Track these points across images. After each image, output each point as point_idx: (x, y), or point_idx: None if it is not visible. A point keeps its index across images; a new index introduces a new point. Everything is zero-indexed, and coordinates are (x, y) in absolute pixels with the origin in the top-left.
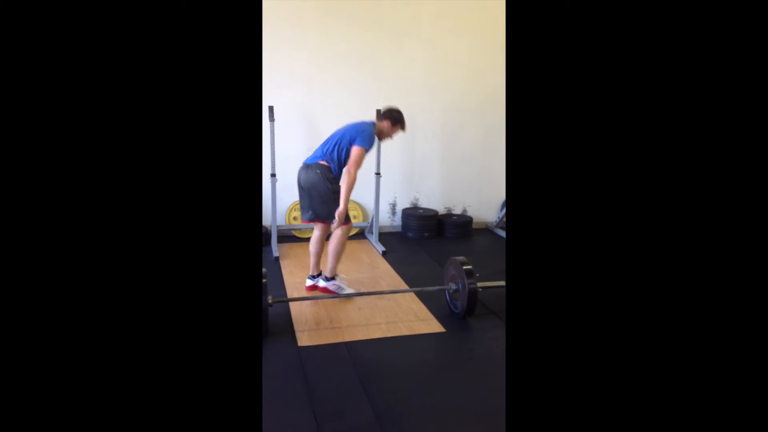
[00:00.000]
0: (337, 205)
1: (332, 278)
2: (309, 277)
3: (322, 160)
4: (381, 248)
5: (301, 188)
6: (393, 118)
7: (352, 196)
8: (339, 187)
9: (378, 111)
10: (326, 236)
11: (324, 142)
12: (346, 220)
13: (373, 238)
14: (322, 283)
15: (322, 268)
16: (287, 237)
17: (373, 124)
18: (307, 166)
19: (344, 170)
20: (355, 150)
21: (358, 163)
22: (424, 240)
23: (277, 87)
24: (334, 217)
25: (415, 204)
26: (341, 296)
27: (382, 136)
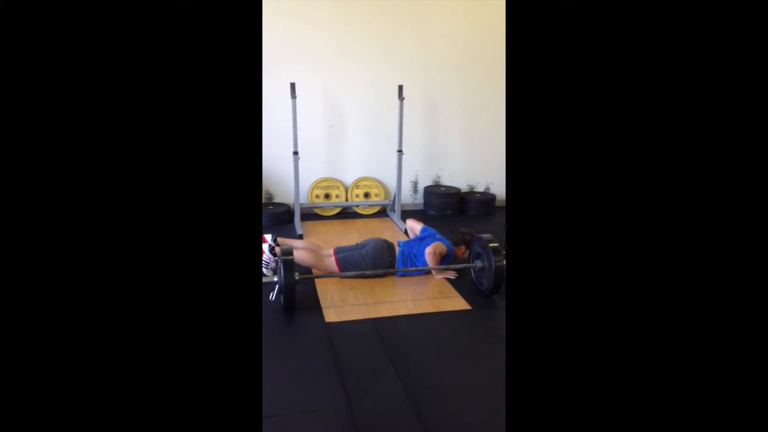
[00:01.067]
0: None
1: (274, 246)
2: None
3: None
4: (403, 226)
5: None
6: (466, 242)
7: (373, 174)
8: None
9: (454, 236)
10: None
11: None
12: (338, 261)
13: (395, 216)
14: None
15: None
16: (310, 215)
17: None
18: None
19: (426, 255)
20: (437, 244)
21: (437, 255)
22: (446, 218)
23: (299, 64)
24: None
25: (437, 181)
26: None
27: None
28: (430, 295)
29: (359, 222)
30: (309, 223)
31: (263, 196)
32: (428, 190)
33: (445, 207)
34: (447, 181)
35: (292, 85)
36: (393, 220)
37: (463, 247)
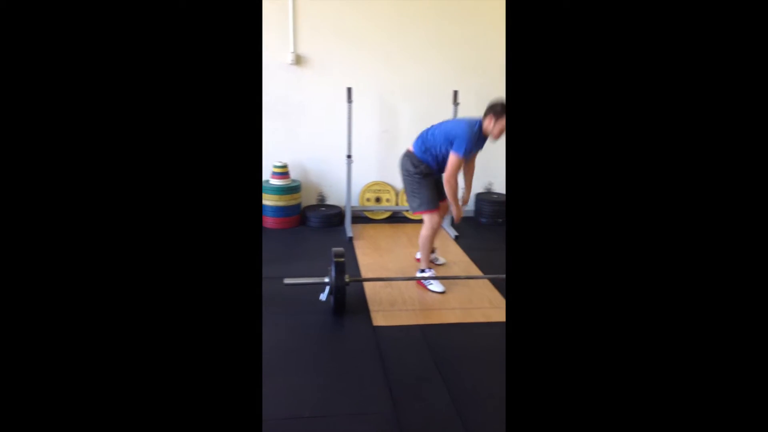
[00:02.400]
0: (419, 191)
1: (422, 270)
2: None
3: (411, 146)
4: (453, 233)
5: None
6: (495, 112)
7: None
8: (423, 170)
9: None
10: (435, 230)
11: (426, 130)
12: (425, 208)
13: (446, 223)
14: (418, 274)
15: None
16: (360, 218)
17: (477, 124)
18: (403, 154)
19: (443, 179)
20: (450, 158)
21: (454, 172)
22: (497, 226)
23: (354, 69)
24: (416, 205)
25: (489, 189)
26: (430, 291)
27: (488, 135)
28: (479, 305)
29: (409, 227)
30: (359, 226)
31: (315, 197)
32: (480, 197)
33: (497, 215)
34: (499, 188)
35: (349, 90)
36: (443, 227)
37: (489, 119)
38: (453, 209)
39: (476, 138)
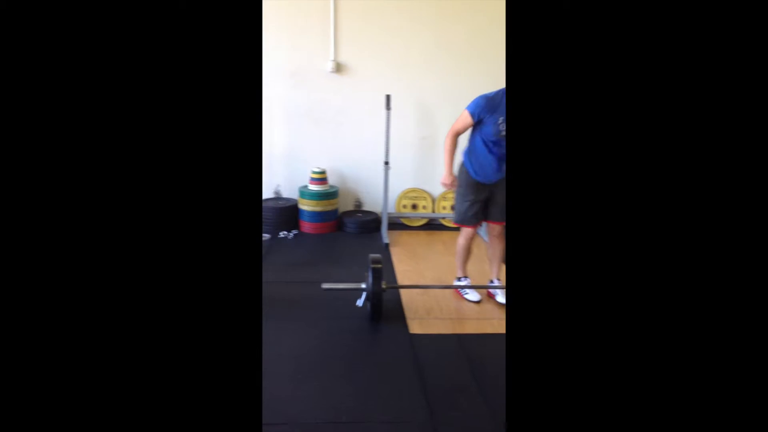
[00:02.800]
0: (458, 201)
1: (458, 279)
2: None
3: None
4: None
5: None
6: None
7: None
8: (465, 179)
9: None
10: (469, 243)
11: None
12: (457, 220)
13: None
14: (455, 283)
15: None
16: (397, 224)
17: (500, 90)
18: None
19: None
20: (460, 115)
21: (456, 128)
22: None
23: (394, 76)
24: (454, 215)
25: None
26: (467, 300)
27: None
28: None
29: (445, 234)
30: (395, 233)
31: (352, 203)
32: None
33: None
34: None
35: (388, 97)
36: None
37: None
38: (445, 174)
39: (497, 102)
